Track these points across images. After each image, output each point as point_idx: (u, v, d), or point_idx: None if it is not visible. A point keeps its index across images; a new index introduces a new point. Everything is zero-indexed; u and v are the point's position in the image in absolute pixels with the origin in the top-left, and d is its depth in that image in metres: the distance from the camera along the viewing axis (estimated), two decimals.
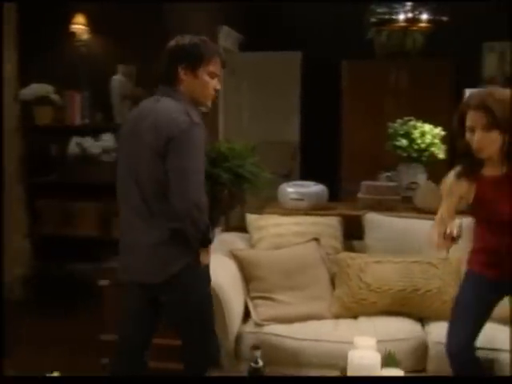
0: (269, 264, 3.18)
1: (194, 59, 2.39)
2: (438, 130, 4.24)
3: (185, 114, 2.30)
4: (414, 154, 4.22)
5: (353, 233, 3.50)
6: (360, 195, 3.81)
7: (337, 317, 3.07)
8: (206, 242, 2.39)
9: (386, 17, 4.69)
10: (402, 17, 4.54)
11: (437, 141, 4.20)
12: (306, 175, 5.95)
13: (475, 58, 6.32)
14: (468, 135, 2.46)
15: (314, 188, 3.79)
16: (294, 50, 6.46)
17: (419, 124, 4.30)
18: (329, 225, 3.47)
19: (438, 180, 4.01)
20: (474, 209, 2.57)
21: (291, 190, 3.80)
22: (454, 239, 2.45)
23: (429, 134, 4.25)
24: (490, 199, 2.49)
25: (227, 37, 6.19)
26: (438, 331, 2.85)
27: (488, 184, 2.50)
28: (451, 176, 2.61)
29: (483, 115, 2.39)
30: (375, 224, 3.42)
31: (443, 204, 2.64)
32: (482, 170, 2.51)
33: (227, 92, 6.14)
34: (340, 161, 6.28)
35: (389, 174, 4.41)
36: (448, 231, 2.46)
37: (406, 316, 3.03)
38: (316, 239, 3.31)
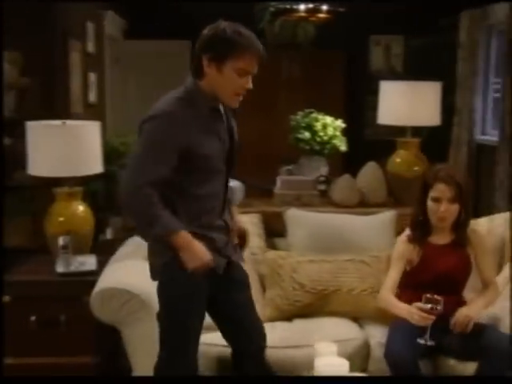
0: None
1: (220, 50, 2.11)
2: (339, 123, 4.28)
3: (165, 102, 2.12)
4: (317, 147, 4.22)
5: (273, 230, 3.41)
6: (277, 191, 3.74)
7: (270, 320, 2.96)
8: (145, 236, 2.18)
9: (287, 6, 4.66)
10: (302, 7, 4.52)
11: (338, 133, 4.24)
12: None
13: (364, 50, 6.49)
14: (431, 205, 2.72)
15: (231, 184, 3.64)
16: (183, 38, 6.25)
17: (321, 116, 4.32)
18: (250, 222, 3.33)
19: (338, 173, 4.09)
20: (414, 273, 2.77)
21: None
22: (436, 311, 2.54)
23: (330, 126, 4.27)
24: (429, 265, 2.75)
25: (111, 23, 5.87)
26: (378, 331, 2.85)
27: (434, 251, 2.76)
28: (403, 240, 2.81)
29: (452, 189, 2.66)
30: (298, 220, 3.35)
31: (394, 268, 2.80)
32: (429, 237, 2.78)
33: (113, 82, 5.83)
34: None
35: (289, 167, 4.39)
36: (428, 307, 2.53)
37: (342, 317, 2.99)
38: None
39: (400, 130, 6.16)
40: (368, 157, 4.07)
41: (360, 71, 6.47)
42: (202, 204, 2.23)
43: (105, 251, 3.40)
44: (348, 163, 5.33)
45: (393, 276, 2.76)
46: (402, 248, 2.79)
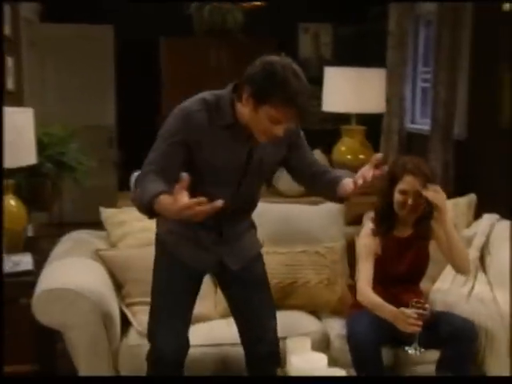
0: (143, 263, 2.86)
1: (261, 92, 2.03)
2: None
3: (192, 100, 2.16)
4: None
5: None
6: None
7: (223, 316, 2.88)
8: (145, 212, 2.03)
9: None
10: None
11: None
12: (127, 163, 5.61)
13: (293, 38, 6.48)
14: (399, 197, 2.69)
15: None
16: (104, 23, 6.02)
17: None
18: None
19: None
20: (376, 266, 2.75)
21: None
22: (423, 317, 2.47)
23: None
24: (392, 258, 2.74)
25: (26, 4, 5.55)
26: (337, 324, 2.83)
27: (396, 244, 2.76)
28: (367, 234, 2.76)
29: (420, 181, 2.62)
30: None
31: (366, 262, 2.73)
32: (392, 230, 2.76)
33: (30, 67, 5.53)
34: None
35: None
36: (415, 313, 2.46)
37: (299, 310, 2.95)
38: None
39: (333, 118, 6.21)
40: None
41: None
42: None
43: (29, 249, 3.21)
44: None
45: (368, 270, 2.70)
46: (369, 242, 2.75)
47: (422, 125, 5.51)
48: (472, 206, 3.32)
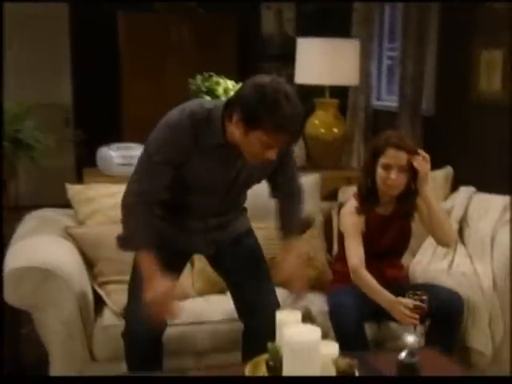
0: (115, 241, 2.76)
1: (251, 118, 1.96)
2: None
3: (183, 115, 2.09)
4: None
5: None
6: None
7: (201, 293, 2.82)
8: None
9: None
10: None
11: None
12: (87, 141, 5.47)
13: (255, 15, 6.39)
14: (381, 172, 2.60)
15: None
16: (59, 0, 5.83)
17: (222, 80, 4.16)
18: None
19: None
20: None
21: (115, 153, 3.39)
22: (423, 309, 2.35)
23: (232, 90, 4.13)
24: (376, 234, 2.70)
25: None
26: (318, 299, 2.81)
27: (379, 221, 2.70)
28: (352, 212, 2.68)
29: (402, 156, 2.55)
30: None
31: (354, 241, 2.66)
32: (376, 206, 2.70)
33: None
34: (121, 124, 5.89)
35: None
36: (413, 304, 2.36)
37: (280, 285, 2.87)
38: None
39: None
40: None
41: (252, 36, 6.37)
42: (183, 209, 2.29)
43: None
44: None
45: (358, 248, 2.63)
46: (356, 219, 2.68)
47: (388, 102, 5.51)
48: (449, 179, 3.31)
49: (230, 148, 2.10)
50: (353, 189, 3.38)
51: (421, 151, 2.60)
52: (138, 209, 2.13)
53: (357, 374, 1.93)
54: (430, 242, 2.99)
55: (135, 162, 3.32)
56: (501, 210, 2.97)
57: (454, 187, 3.38)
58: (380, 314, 2.61)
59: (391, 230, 2.73)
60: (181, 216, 2.29)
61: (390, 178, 2.60)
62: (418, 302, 2.29)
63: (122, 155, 3.37)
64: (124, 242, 2.15)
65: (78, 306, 2.49)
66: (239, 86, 4.06)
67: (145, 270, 2.11)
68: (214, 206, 2.30)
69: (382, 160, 2.61)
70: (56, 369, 2.52)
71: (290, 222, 2.38)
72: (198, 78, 4.18)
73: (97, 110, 5.95)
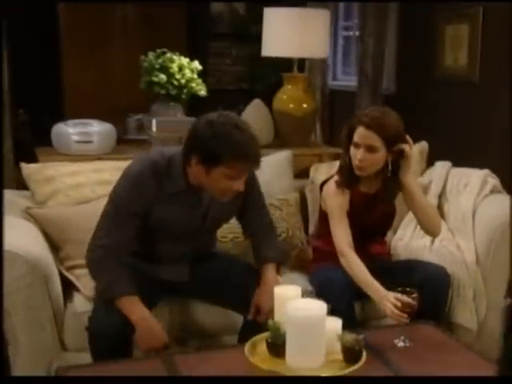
0: (81, 222, 2.63)
1: (210, 157, 2.10)
2: (197, 64, 4.05)
3: (145, 166, 2.22)
4: (173, 92, 3.96)
5: None
6: (153, 133, 3.45)
7: None
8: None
9: None
10: None
11: (196, 76, 4.01)
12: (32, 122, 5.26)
13: None
14: (352, 150, 2.55)
15: (103, 127, 3.29)
16: None
17: (176, 57, 4.05)
18: None
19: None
20: None
21: (73, 130, 3.23)
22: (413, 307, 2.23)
23: (187, 68, 4.03)
24: (360, 213, 2.64)
25: None
26: (299, 279, 2.74)
27: (362, 200, 2.65)
28: (335, 192, 2.62)
29: (372, 136, 2.49)
30: None
31: (341, 224, 2.59)
32: (357, 184, 2.65)
33: None
34: (63, 107, 5.66)
35: (138, 116, 4.13)
36: (402, 302, 2.24)
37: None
38: None
39: (250, 77, 6.05)
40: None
41: (202, 14, 6.26)
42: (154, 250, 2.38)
43: None
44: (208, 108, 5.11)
45: (346, 230, 2.57)
46: (341, 200, 2.61)
47: (344, 81, 5.53)
48: (424, 154, 3.31)
49: (192, 192, 2.25)
50: (325, 166, 3.36)
51: (408, 138, 2.56)
52: (109, 262, 2.18)
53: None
54: (410, 217, 2.98)
55: (94, 139, 3.25)
56: (480, 184, 2.99)
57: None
58: (365, 294, 2.56)
59: (375, 209, 2.69)
60: (152, 263, 2.38)
61: (356, 158, 2.54)
62: (408, 299, 2.19)
63: (81, 131, 3.23)
64: (103, 293, 2.19)
65: (46, 291, 2.35)
66: (194, 63, 4.00)
67: (137, 320, 2.13)
68: (185, 251, 2.38)
69: (354, 137, 2.56)
70: (22, 361, 2.37)
71: (264, 257, 2.43)
72: (151, 54, 4.05)
73: (37, 91, 5.71)
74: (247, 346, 1.93)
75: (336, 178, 2.67)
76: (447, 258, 2.81)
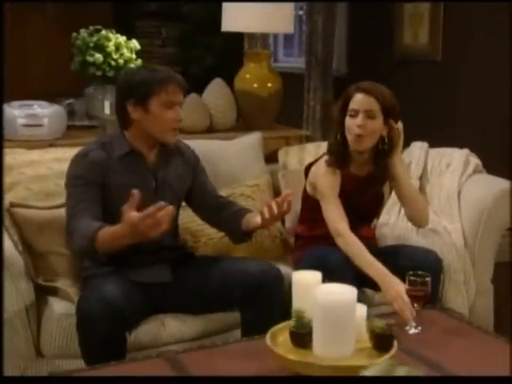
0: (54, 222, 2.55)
1: (142, 91, 2.35)
2: (135, 43, 3.99)
3: (89, 144, 2.43)
4: (110, 73, 3.88)
5: None
6: (106, 116, 3.38)
7: None
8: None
9: None
10: None
11: (134, 56, 3.95)
12: None
13: None
14: (349, 121, 2.58)
15: (53, 109, 3.18)
16: None
17: (112, 34, 3.96)
18: None
19: None
20: None
21: (18, 112, 3.10)
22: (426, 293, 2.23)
23: (125, 47, 3.95)
24: (350, 195, 2.65)
25: None
26: (284, 270, 2.71)
27: (352, 181, 2.68)
28: (327, 172, 2.64)
29: (371, 101, 2.55)
30: None
31: (334, 205, 2.61)
32: (349, 164, 2.67)
33: None
34: None
35: (70, 101, 4.01)
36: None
37: None
38: None
39: (182, 59, 5.98)
40: None
41: None
42: None
43: None
44: None
45: (340, 211, 2.59)
46: (329, 180, 2.63)
47: (286, 63, 5.59)
48: None
49: (137, 156, 2.43)
50: (296, 150, 3.38)
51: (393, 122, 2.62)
52: (82, 222, 2.24)
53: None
54: (394, 200, 3.04)
55: (44, 122, 3.12)
56: (463, 164, 3.09)
57: None
58: (364, 280, 2.57)
59: (366, 192, 2.73)
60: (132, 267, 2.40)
61: (356, 125, 2.56)
62: (421, 288, 2.21)
63: (26, 114, 3.10)
64: (82, 248, 2.24)
65: (20, 292, 2.25)
66: (133, 42, 3.92)
67: (126, 231, 2.11)
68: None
69: (350, 106, 2.60)
70: None
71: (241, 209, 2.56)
72: (83, 31, 3.94)
73: None
74: (268, 338, 1.91)
75: (325, 158, 2.69)
76: (436, 241, 2.89)
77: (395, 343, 1.89)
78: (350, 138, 2.61)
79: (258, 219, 2.39)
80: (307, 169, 2.79)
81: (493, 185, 3.00)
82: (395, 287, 2.34)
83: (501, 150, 3.81)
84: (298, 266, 2.68)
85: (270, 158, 3.38)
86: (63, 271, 2.53)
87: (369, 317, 1.97)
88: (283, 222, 3.10)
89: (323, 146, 3.30)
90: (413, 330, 2.22)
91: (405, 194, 2.69)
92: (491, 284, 3.00)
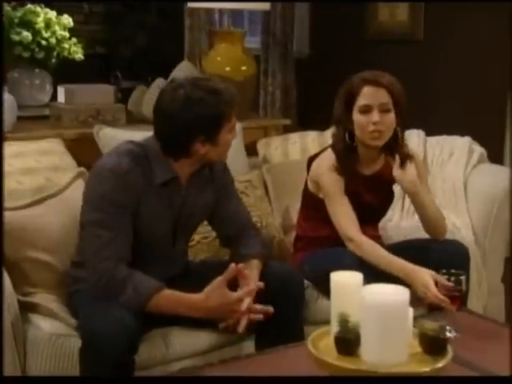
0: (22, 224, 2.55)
1: (213, 125, 2.36)
2: (69, 20, 3.98)
3: (121, 156, 2.36)
4: (40, 54, 3.87)
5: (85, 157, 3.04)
6: (61, 105, 3.37)
7: None
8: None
9: None
10: None
11: (68, 34, 3.94)
12: None
13: None
14: (360, 118, 2.66)
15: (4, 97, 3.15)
16: None
17: (40, 9, 3.94)
18: (59, 152, 2.95)
19: None
20: None
21: None
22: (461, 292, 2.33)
23: (57, 23, 3.93)
24: (356, 196, 2.75)
25: None
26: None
27: (359, 181, 2.77)
28: (332, 168, 2.71)
29: (383, 93, 2.64)
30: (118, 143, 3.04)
31: (342, 206, 2.70)
32: (356, 166, 2.77)
33: None
34: None
35: None
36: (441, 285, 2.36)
37: None
38: (81, 173, 2.82)
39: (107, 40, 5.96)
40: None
41: None
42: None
43: None
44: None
45: (347, 208, 2.69)
46: (335, 177, 2.72)
47: None
48: None
49: (176, 183, 2.44)
50: (278, 141, 3.45)
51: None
52: (123, 270, 2.28)
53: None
54: (396, 196, 3.15)
55: None
56: (467, 152, 3.25)
57: None
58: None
59: (372, 193, 2.82)
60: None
61: (371, 122, 2.65)
62: (456, 288, 2.32)
63: None
64: (131, 303, 2.25)
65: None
66: (65, 17, 3.89)
67: (187, 309, 2.30)
68: (161, 271, 2.42)
69: (360, 102, 2.67)
70: None
71: (247, 253, 2.56)
72: (5, 5, 3.90)
73: None
74: (310, 345, 1.98)
75: (330, 153, 2.77)
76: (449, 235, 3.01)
77: (449, 347, 1.98)
78: (363, 135, 2.69)
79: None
80: (310, 162, 2.86)
81: (501, 175, 3.17)
82: (424, 277, 2.47)
83: (488, 136, 4.00)
84: (304, 268, 2.77)
85: (248, 150, 3.44)
86: (42, 282, 2.52)
87: (415, 318, 2.06)
88: None
89: (311, 136, 3.42)
90: (450, 334, 2.22)
91: (430, 219, 2.79)
92: (501, 283, 3.18)
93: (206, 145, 2.37)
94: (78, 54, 3.95)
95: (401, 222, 3.20)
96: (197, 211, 2.54)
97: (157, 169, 2.39)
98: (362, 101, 2.67)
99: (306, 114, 4.97)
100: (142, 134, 2.74)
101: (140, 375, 2.27)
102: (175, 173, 2.42)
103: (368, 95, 2.66)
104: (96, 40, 6.27)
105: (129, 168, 2.33)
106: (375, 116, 2.64)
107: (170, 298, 2.27)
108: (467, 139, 3.35)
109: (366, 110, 2.66)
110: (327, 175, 2.74)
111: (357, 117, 2.69)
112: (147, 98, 3.53)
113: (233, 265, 2.27)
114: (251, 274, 2.44)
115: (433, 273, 2.48)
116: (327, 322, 2.37)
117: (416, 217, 3.10)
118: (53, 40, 3.81)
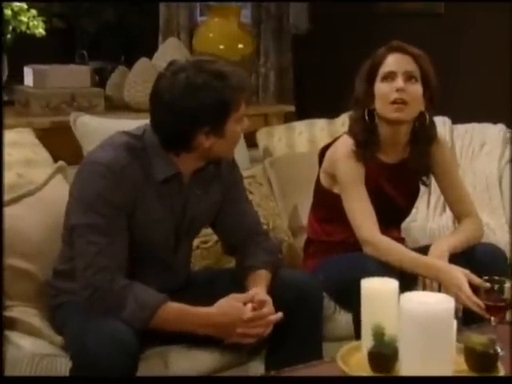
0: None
1: (220, 114, 2.38)
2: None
3: (117, 150, 2.38)
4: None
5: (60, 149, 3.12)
6: (29, 88, 3.41)
7: None
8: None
9: None
10: None
11: (26, 6, 3.98)
12: None
13: None
14: (382, 87, 2.72)
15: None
16: None
17: None
18: (31, 143, 2.99)
19: None
20: None
21: None
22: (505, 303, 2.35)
23: (28, 14, 3.96)
24: (375, 189, 2.81)
25: None
26: None
27: (378, 171, 2.83)
28: (350, 155, 2.76)
29: (410, 61, 2.73)
30: (99, 134, 3.08)
31: (360, 203, 2.75)
32: (377, 153, 2.82)
33: None
34: None
35: None
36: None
37: None
38: (61, 168, 2.87)
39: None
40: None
41: None
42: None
43: None
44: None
45: (366, 204, 2.74)
46: (353, 164, 2.77)
47: None
48: None
49: (179, 180, 2.48)
50: (281, 130, 3.51)
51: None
52: (121, 281, 2.31)
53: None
54: (420, 193, 3.23)
55: None
56: (501, 142, 3.31)
57: None
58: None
59: (396, 186, 2.88)
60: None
61: (394, 89, 2.70)
62: (500, 297, 2.34)
63: None
64: (133, 319, 2.28)
65: None
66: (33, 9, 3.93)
67: (193, 326, 2.36)
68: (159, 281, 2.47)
69: (383, 69, 2.74)
70: None
71: (253, 265, 2.60)
72: None
73: None
74: (340, 361, 2.04)
75: (347, 139, 2.82)
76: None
77: (500, 364, 2.03)
78: (385, 107, 2.73)
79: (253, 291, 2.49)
80: (322, 153, 2.91)
81: None
82: (458, 276, 2.55)
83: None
84: (318, 277, 2.82)
85: (246, 141, 3.49)
86: (21, 293, 2.55)
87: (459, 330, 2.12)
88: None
89: (320, 124, 3.47)
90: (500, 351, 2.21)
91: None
92: None
93: (210, 137, 2.39)
94: (39, 28, 3.97)
95: (427, 222, 3.25)
96: (201, 213, 2.58)
97: (157, 164, 2.42)
98: (385, 68, 2.73)
99: (305, 100, 5.01)
100: (129, 124, 2.81)
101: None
102: (178, 168, 2.45)
103: (392, 62, 2.73)
104: (52, 13, 6.26)
105: (127, 163, 2.36)
106: (399, 82, 2.69)
107: (177, 311, 2.32)
108: (500, 127, 3.41)
109: (390, 76, 2.72)
110: (344, 162, 2.78)
111: (378, 86, 2.74)
112: (130, 80, 3.58)
113: (255, 293, 2.39)
114: (260, 291, 2.47)
115: (467, 271, 2.55)
116: (346, 339, 2.48)
117: (445, 216, 3.18)
118: (8, 12, 3.83)
